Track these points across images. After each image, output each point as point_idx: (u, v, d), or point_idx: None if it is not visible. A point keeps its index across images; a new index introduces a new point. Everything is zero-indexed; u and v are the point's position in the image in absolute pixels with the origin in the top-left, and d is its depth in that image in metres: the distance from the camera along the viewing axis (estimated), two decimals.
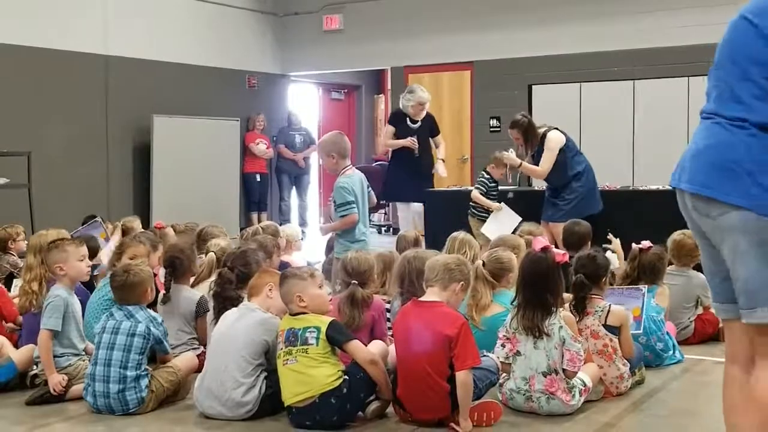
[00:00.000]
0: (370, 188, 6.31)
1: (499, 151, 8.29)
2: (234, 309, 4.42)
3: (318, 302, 4.13)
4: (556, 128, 8.00)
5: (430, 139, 9.38)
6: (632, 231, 5.57)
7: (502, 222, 7.98)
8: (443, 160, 9.56)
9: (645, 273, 5.32)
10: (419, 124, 9.24)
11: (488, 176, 8.26)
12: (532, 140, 7.93)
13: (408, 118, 9.25)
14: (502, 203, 8.25)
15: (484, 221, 8.14)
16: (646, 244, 5.38)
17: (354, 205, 5.98)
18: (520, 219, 7.89)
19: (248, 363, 4.16)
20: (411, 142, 9.13)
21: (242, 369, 4.14)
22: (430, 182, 9.51)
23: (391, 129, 9.34)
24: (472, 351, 3.91)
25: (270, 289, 4.35)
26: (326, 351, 3.99)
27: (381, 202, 14.62)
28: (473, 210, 8.30)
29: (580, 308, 4.52)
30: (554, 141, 7.88)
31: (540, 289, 4.17)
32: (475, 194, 8.27)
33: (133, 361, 4.26)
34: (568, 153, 7.90)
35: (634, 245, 5.42)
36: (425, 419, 4.03)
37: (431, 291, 4.10)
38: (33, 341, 4.64)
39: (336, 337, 4.00)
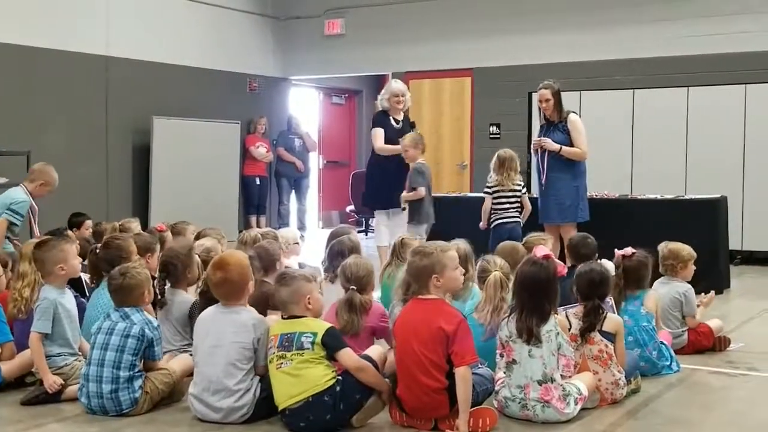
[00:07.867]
0: None
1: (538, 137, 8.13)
2: (210, 310, 4.31)
3: (319, 306, 4.23)
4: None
5: None
6: (629, 240, 5.52)
7: None
8: None
9: (629, 280, 5.19)
10: (401, 124, 8.54)
11: None
12: (559, 108, 8.00)
13: (392, 119, 8.49)
14: None
15: None
16: (628, 250, 5.27)
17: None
18: None
19: (239, 369, 4.13)
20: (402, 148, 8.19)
21: (234, 376, 4.12)
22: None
23: (381, 131, 8.44)
24: (470, 348, 3.94)
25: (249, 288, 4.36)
26: (321, 355, 4.00)
27: (356, 211, 14.54)
28: None
29: (589, 332, 4.50)
30: (581, 123, 7.99)
31: (539, 296, 4.18)
32: None
33: (126, 361, 4.26)
34: None
35: (617, 251, 5.32)
36: (423, 419, 4.03)
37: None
38: (25, 347, 4.65)
39: (330, 344, 4.01)
